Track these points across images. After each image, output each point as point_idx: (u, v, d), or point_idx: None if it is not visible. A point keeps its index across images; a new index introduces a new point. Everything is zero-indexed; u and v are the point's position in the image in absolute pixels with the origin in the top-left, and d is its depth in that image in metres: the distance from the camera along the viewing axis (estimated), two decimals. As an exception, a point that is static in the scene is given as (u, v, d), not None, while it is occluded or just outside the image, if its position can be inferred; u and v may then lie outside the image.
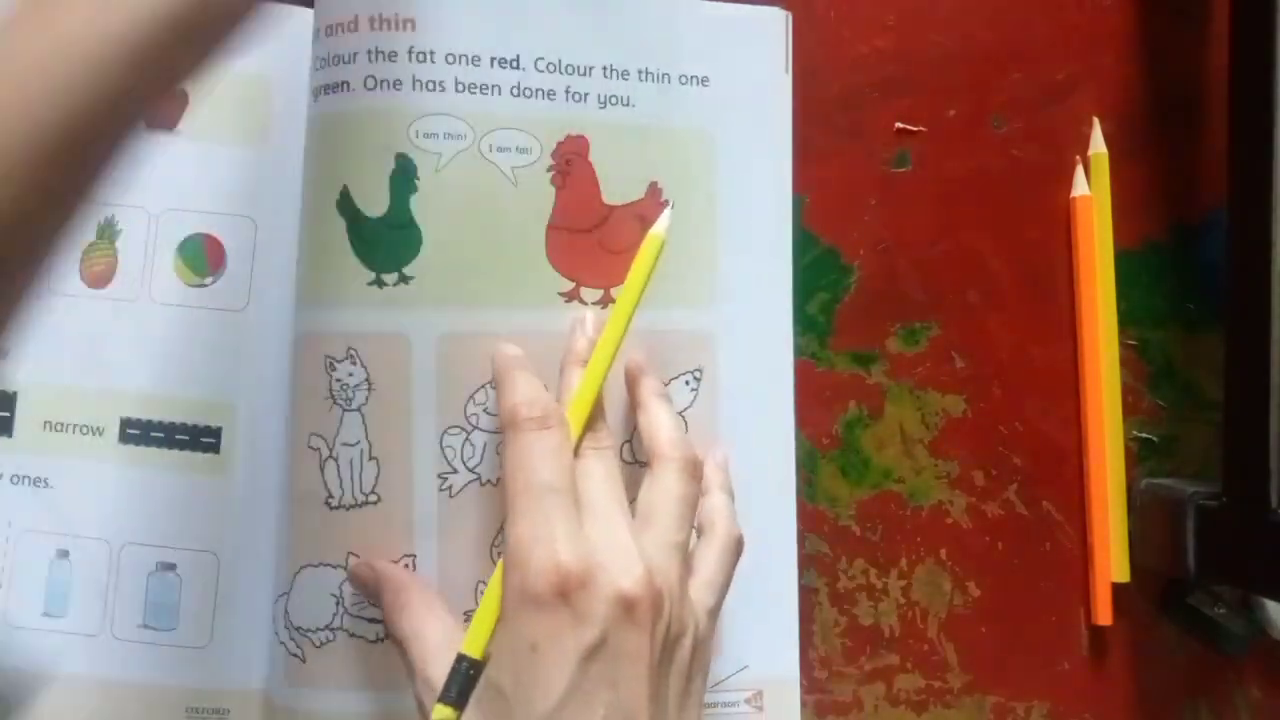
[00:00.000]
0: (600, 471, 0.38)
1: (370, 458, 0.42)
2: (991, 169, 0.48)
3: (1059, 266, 0.48)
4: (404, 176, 0.41)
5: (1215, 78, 0.48)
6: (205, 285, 0.45)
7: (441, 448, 0.42)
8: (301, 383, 0.42)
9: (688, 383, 0.45)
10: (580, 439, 0.38)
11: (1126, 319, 0.48)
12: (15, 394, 0.44)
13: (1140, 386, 0.48)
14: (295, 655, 0.42)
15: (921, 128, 0.47)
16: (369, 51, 0.41)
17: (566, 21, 0.43)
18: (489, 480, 0.42)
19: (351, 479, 0.42)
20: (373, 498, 0.42)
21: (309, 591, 0.42)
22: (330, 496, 0.42)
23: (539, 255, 0.43)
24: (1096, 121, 0.48)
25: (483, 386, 0.42)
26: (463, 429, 0.42)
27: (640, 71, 0.44)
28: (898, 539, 0.47)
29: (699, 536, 0.41)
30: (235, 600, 0.44)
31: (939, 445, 0.47)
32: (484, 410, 0.42)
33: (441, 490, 0.42)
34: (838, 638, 0.47)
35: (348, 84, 0.41)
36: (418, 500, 0.42)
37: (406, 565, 0.42)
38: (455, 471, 0.42)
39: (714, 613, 0.39)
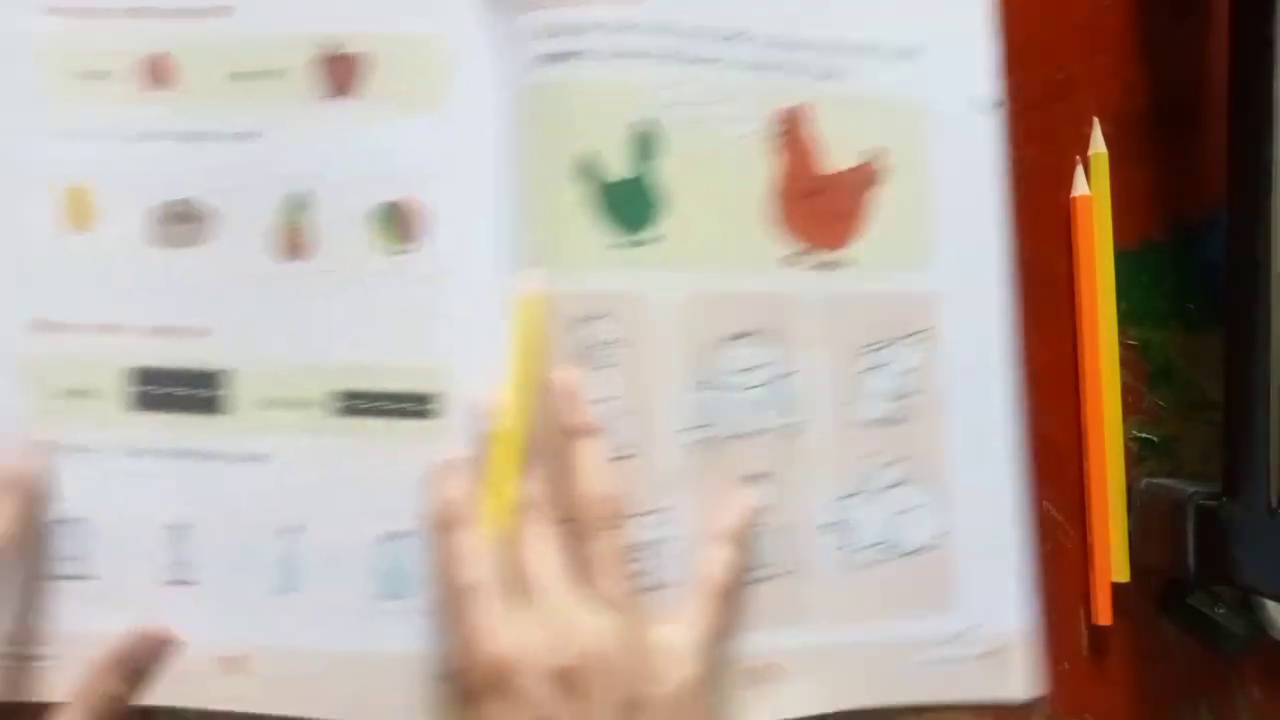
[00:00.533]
0: (535, 544, 0.39)
1: (619, 414, 0.42)
2: (992, 169, 0.48)
3: (1058, 266, 0.48)
4: (644, 142, 0.43)
5: (1215, 78, 0.48)
6: (408, 252, 0.44)
7: (687, 404, 0.43)
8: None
9: (913, 344, 0.46)
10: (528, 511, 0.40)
11: (1126, 319, 0.48)
12: (224, 373, 0.44)
13: (1140, 386, 0.48)
14: None
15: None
16: (602, 23, 0.43)
17: None
18: (733, 435, 0.43)
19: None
20: (624, 452, 0.42)
21: None
22: None
23: (769, 217, 0.44)
24: (1097, 122, 0.48)
25: (724, 344, 0.44)
26: (707, 385, 0.43)
27: (856, 45, 0.46)
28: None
29: (696, 584, 0.42)
30: None
31: (939, 445, 0.47)
32: (725, 368, 0.44)
33: (689, 445, 0.43)
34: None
35: (580, 53, 0.43)
36: (667, 455, 0.43)
37: (658, 520, 0.43)
38: (702, 426, 0.43)
39: (698, 651, 0.40)
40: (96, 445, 0.44)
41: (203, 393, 0.44)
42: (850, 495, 0.45)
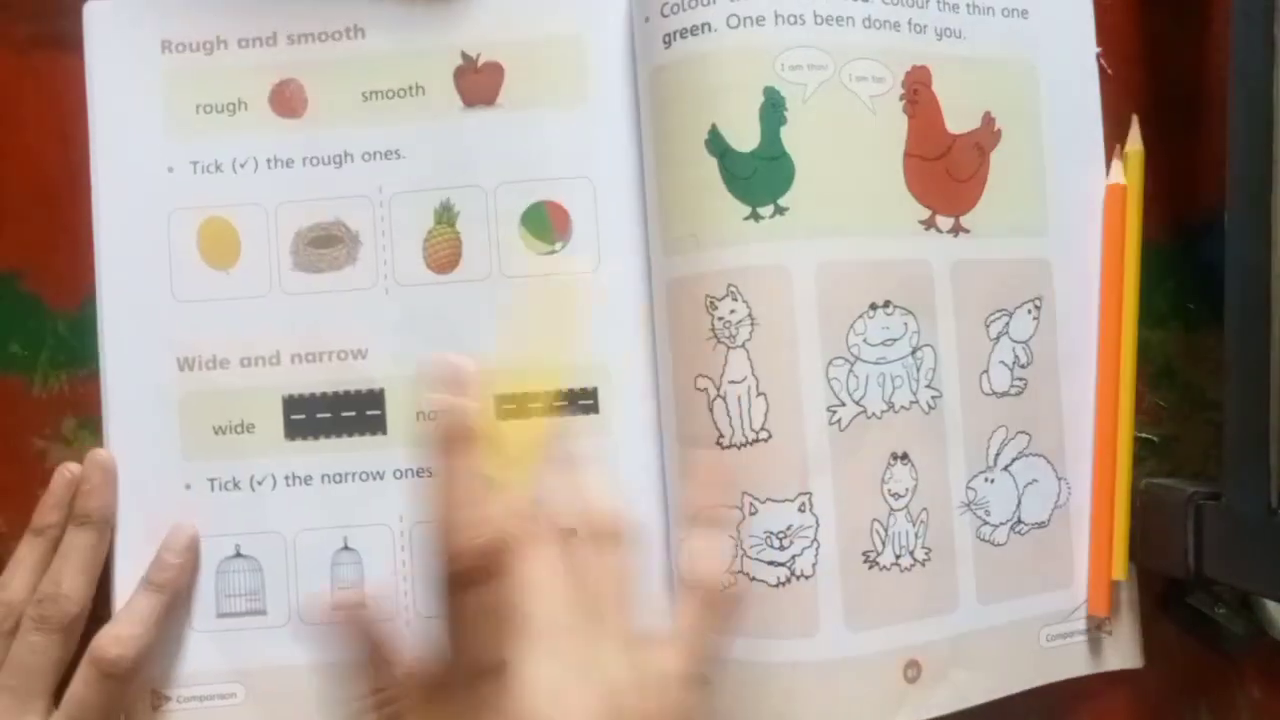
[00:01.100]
0: (544, 579, 0.33)
1: (758, 394, 0.42)
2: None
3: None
4: (774, 109, 0.43)
5: (1215, 78, 0.48)
6: (555, 252, 0.45)
7: (828, 380, 0.42)
8: (681, 326, 0.43)
9: (1029, 312, 0.46)
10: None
11: (1127, 319, 0.48)
12: (383, 391, 0.45)
13: (1140, 386, 0.48)
14: None
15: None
16: None
17: None
18: (875, 414, 0.43)
19: (741, 417, 0.42)
20: (763, 434, 0.42)
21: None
22: (721, 436, 0.42)
23: (899, 183, 0.44)
24: (1135, 119, 0.48)
25: (861, 316, 0.43)
26: (846, 360, 0.43)
27: (968, 5, 0.46)
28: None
29: (680, 585, 0.40)
30: (641, 555, 0.44)
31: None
32: (864, 341, 0.43)
33: (831, 424, 0.42)
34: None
35: (709, 25, 0.42)
36: (809, 435, 0.42)
37: (802, 504, 0.42)
38: (843, 404, 0.43)
39: (692, 678, 0.34)
40: (260, 475, 0.45)
41: (366, 414, 0.45)
42: (981, 471, 0.45)
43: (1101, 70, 0.48)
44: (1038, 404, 0.46)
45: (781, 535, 0.42)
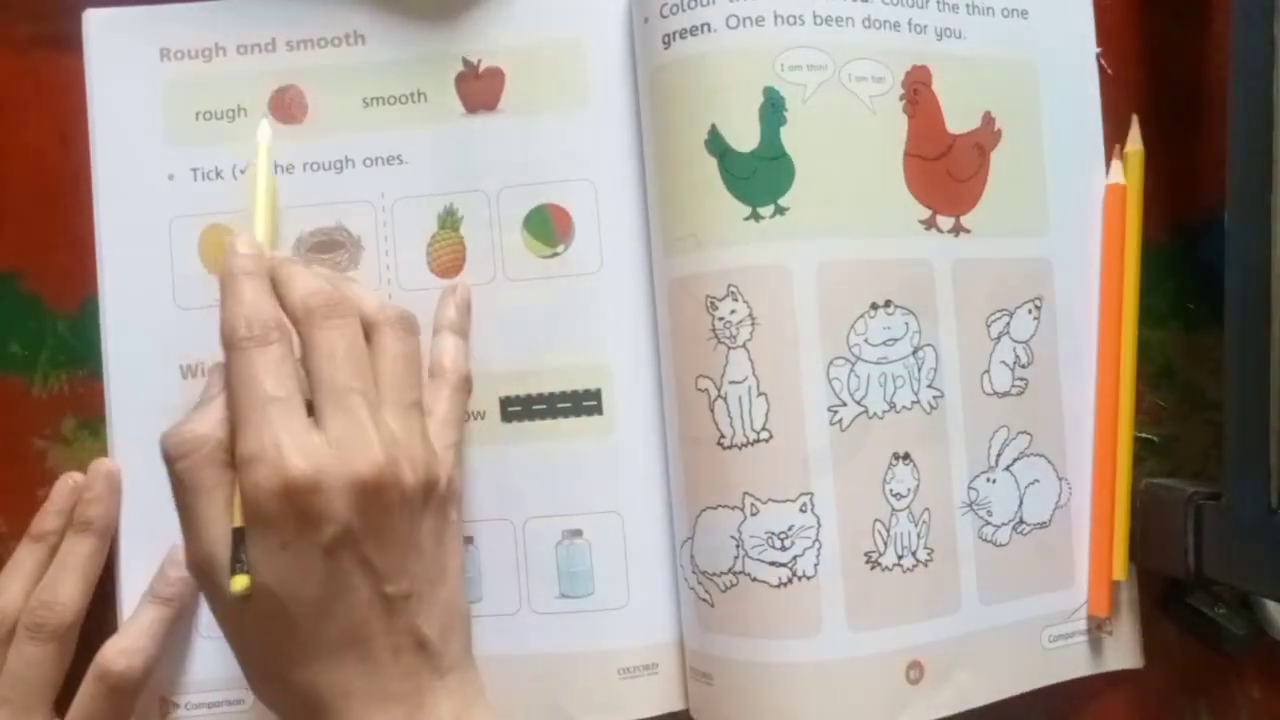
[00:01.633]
0: (341, 347, 0.38)
1: (759, 394, 0.42)
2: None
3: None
4: (773, 109, 0.43)
5: (1215, 78, 0.48)
6: (557, 254, 0.46)
7: (829, 380, 0.42)
8: (681, 327, 0.43)
9: (1030, 311, 0.46)
10: (313, 312, 0.38)
11: (1127, 319, 0.48)
12: None
13: (1140, 386, 0.48)
14: (704, 600, 0.43)
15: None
16: None
17: None
18: (876, 414, 0.43)
19: (742, 417, 0.42)
20: (764, 434, 0.42)
21: (710, 534, 0.43)
22: (722, 437, 0.42)
23: (899, 183, 0.44)
24: (1135, 119, 0.48)
25: (862, 316, 0.43)
26: (847, 360, 0.43)
27: (968, 5, 0.46)
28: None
29: (430, 377, 0.43)
30: (645, 555, 0.45)
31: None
32: (865, 341, 0.43)
33: (832, 424, 0.42)
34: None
35: (709, 25, 0.42)
36: (810, 435, 0.42)
37: (804, 505, 0.42)
38: (844, 404, 0.43)
39: (456, 446, 0.41)
40: None
41: None
42: (983, 472, 0.45)
43: (1101, 70, 0.48)
44: (1039, 404, 0.46)
45: (783, 536, 0.42)
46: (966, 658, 0.44)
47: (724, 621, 0.43)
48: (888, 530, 0.43)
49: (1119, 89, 0.48)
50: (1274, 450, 0.41)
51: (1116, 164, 0.47)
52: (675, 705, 0.45)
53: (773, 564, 0.42)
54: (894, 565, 0.43)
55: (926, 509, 0.44)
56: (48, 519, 0.45)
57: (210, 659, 0.45)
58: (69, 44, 0.46)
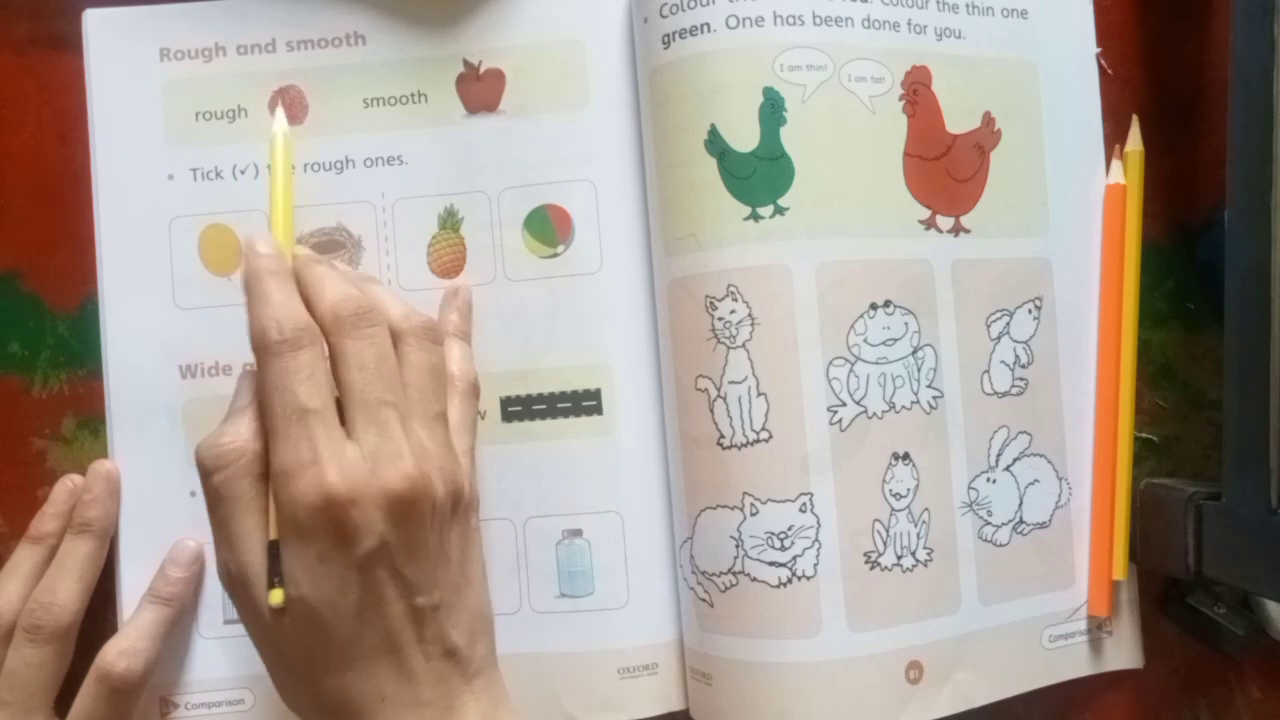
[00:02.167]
0: (371, 358, 0.37)
1: (759, 394, 0.42)
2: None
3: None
4: (773, 109, 0.43)
5: (1215, 78, 0.48)
6: (557, 255, 0.46)
7: (828, 380, 0.42)
8: (681, 327, 0.43)
9: (1030, 311, 0.46)
10: (343, 321, 0.37)
11: (1127, 319, 0.48)
12: None
13: (1140, 386, 0.48)
14: (704, 600, 0.43)
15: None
16: None
17: None
18: (875, 414, 0.43)
19: (742, 417, 0.42)
20: (764, 435, 0.42)
21: (710, 534, 0.43)
22: (722, 437, 0.42)
23: (899, 182, 0.44)
24: (1135, 119, 0.48)
25: (862, 316, 0.43)
26: (846, 360, 0.43)
27: (968, 5, 0.46)
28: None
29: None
30: (644, 555, 0.45)
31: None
32: (864, 341, 0.43)
33: (832, 424, 0.42)
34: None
35: (708, 25, 0.42)
36: (810, 435, 0.42)
37: (803, 505, 0.42)
38: (844, 404, 0.43)
39: (470, 452, 0.41)
40: None
41: None
42: (983, 472, 0.45)
43: (1101, 70, 0.48)
44: (1039, 404, 0.46)
45: (783, 536, 0.42)
46: (966, 658, 0.44)
47: (724, 621, 0.43)
48: (887, 530, 0.43)
49: (1119, 89, 0.48)
50: (1274, 450, 0.41)
51: (1116, 164, 0.47)
52: (675, 705, 0.45)
53: (772, 564, 0.42)
54: (894, 565, 0.43)
55: (926, 509, 0.44)
56: (46, 521, 0.45)
57: (210, 659, 0.45)
58: (69, 44, 0.46)
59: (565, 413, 0.45)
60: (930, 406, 0.44)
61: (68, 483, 0.45)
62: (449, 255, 0.46)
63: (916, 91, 0.45)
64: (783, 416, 0.42)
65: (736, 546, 0.42)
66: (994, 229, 0.46)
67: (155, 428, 0.45)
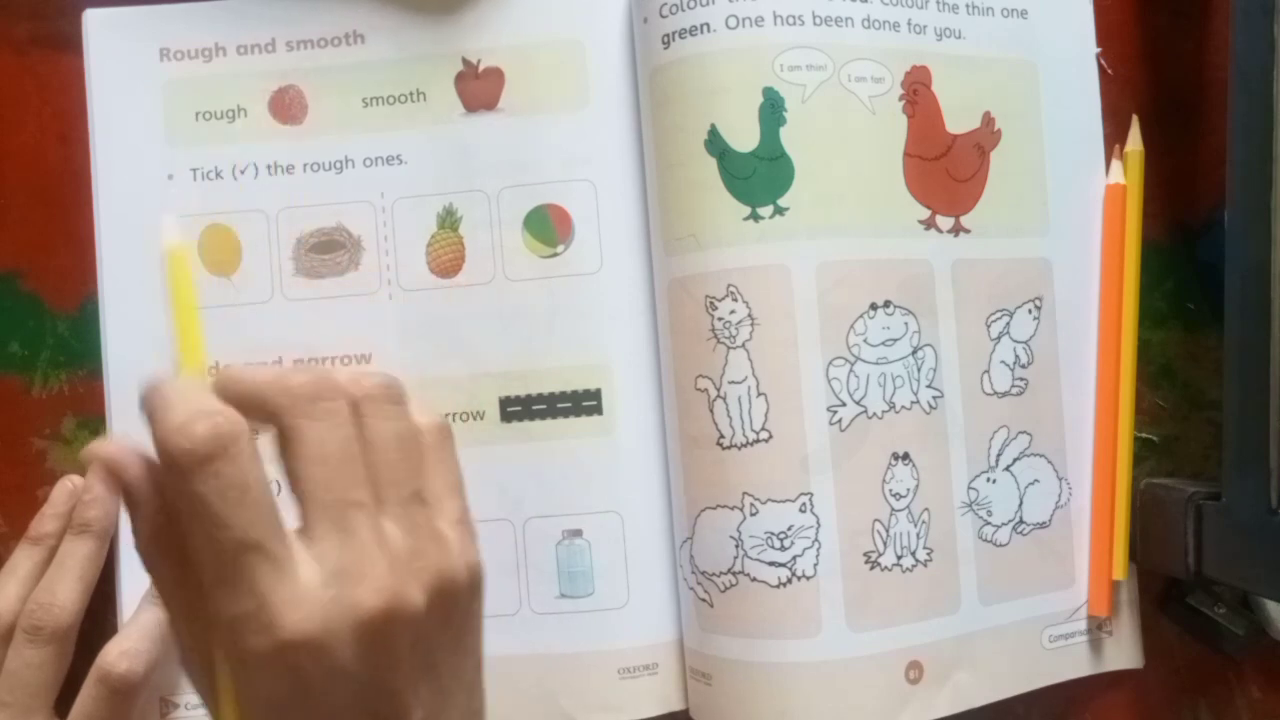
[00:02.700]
0: (334, 446, 0.30)
1: (759, 394, 0.42)
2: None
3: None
4: (773, 109, 0.43)
5: (1215, 78, 0.48)
6: (557, 254, 0.46)
7: (828, 380, 0.42)
8: (681, 327, 0.43)
9: (1030, 312, 0.46)
10: (298, 397, 0.30)
11: (1127, 319, 0.48)
12: None
13: (1140, 386, 0.48)
14: (704, 600, 0.43)
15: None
16: None
17: None
18: (875, 414, 0.43)
19: (741, 417, 0.42)
20: (764, 434, 0.42)
21: (710, 534, 0.43)
22: (722, 437, 0.42)
23: (899, 182, 0.44)
24: (1135, 119, 0.48)
25: (862, 316, 0.43)
26: (846, 360, 0.43)
27: (968, 5, 0.46)
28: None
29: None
30: (644, 555, 0.45)
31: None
32: (864, 340, 0.43)
33: (832, 424, 0.42)
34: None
35: (708, 25, 0.42)
36: (809, 435, 0.42)
37: (803, 505, 0.42)
38: (843, 404, 0.43)
39: (463, 515, 0.33)
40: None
41: None
42: (983, 472, 0.45)
43: (1101, 70, 0.48)
44: (1039, 404, 0.46)
45: (782, 536, 0.42)
46: (966, 658, 0.44)
47: (723, 621, 0.43)
48: (887, 530, 0.43)
49: (1119, 89, 0.48)
50: (1274, 450, 0.41)
51: (1116, 164, 0.47)
52: (675, 705, 0.45)
53: (772, 564, 0.42)
54: (893, 565, 0.43)
55: (926, 509, 0.44)
56: (46, 521, 0.44)
57: None
58: (69, 44, 0.46)
59: (565, 413, 0.45)
60: (930, 406, 0.44)
61: (67, 483, 0.45)
62: (448, 255, 0.46)
63: (916, 91, 0.45)
64: (782, 416, 0.42)
65: (736, 546, 0.42)
66: (994, 229, 0.46)
67: None
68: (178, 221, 0.35)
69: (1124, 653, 0.47)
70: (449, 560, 0.31)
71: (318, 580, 0.29)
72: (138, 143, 0.46)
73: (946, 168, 0.45)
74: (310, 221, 0.46)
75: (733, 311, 0.42)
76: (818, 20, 0.43)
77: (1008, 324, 0.46)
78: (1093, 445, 0.47)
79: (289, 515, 0.30)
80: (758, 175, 0.42)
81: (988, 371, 0.46)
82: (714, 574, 0.43)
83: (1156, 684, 0.48)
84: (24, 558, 0.44)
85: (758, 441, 0.42)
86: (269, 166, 0.46)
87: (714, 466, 0.43)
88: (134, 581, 0.45)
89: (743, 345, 0.42)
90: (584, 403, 0.45)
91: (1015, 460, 0.46)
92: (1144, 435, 0.48)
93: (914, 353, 0.44)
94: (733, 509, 0.42)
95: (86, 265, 0.46)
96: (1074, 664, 0.47)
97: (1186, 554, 0.44)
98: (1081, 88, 0.48)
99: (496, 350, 0.45)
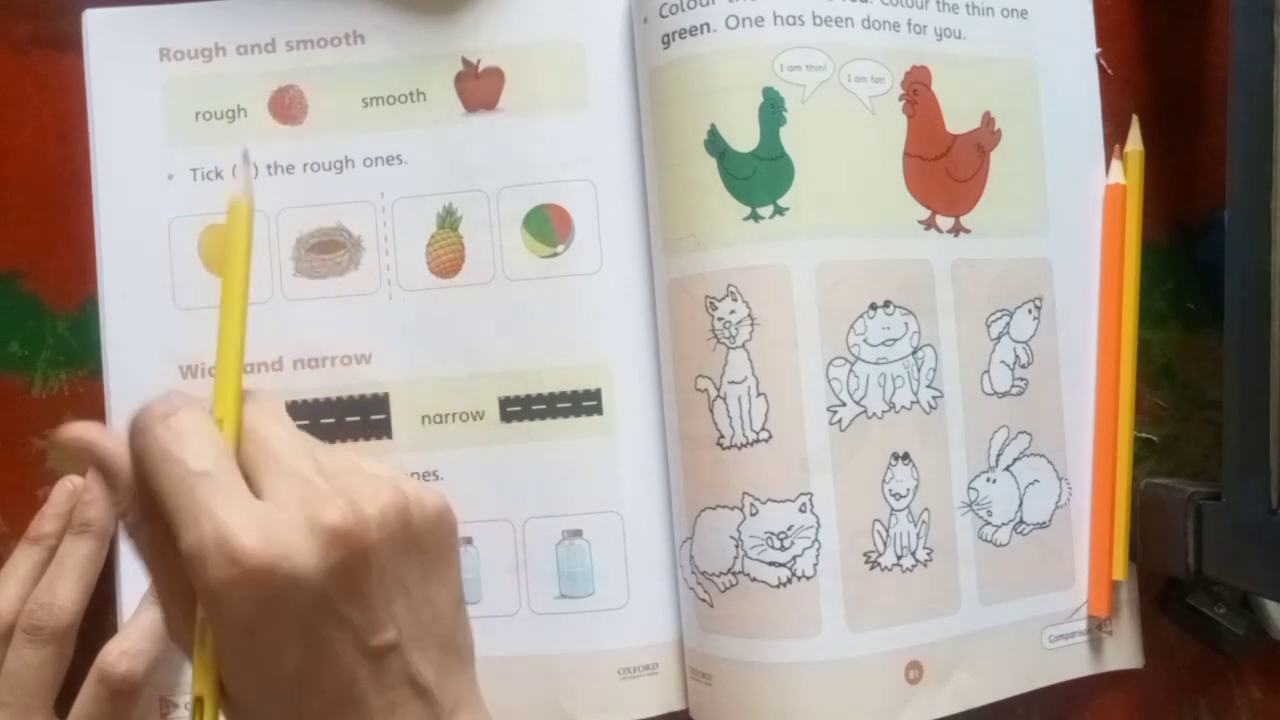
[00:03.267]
0: (264, 420, 0.33)
1: (758, 394, 0.42)
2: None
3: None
4: (773, 109, 0.43)
5: (1215, 78, 0.48)
6: (557, 254, 0.46)
7: (828, 380, 0.42)
8: (681, 327, 0.43)
9: (1030, 311, 0.46)
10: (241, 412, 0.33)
11: (1127, 319, 0.48)
12: (387, 395, 0.45)
13: (1140, 386, 0.48)
14: (704, 600, 0.43)
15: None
16: None
17: None
18: (875, 414, 0.43)
19: (741, 417, 0.42)
20: (764, 435, 0.42)
21: (710, 534, 0.43)
22: (721, 437, 0.42)
23: (898, 182, 0.44)
24: (1135, 119, 0.48)
25: (862, 316, 0.43)
26: (846, 360, 0.43)
27: (968, 5, 0.46)
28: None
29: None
30: (644, 555, 0.45)
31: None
32: (864, 341, 0.43)
33: (832, 424, 0.42)
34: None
35: (708, 25, 0.42)
36: (809, 435, 0.42)
37: (803, 505, 0.42)
38: (843, 404, 0.43)
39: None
40: None
41: (370, 418, 0.45)
42: (983, 472, 0.45)
43: (1101, 70, 0.48)
44: (1039, 404, 0.46)
45: (782, 536, 0.42)
46: (966, 658, 0.44)
47: (723, 621, 0.43)
48: (887, 530, 0.43)
49: (1119, 89, 0.48)
50: (1274, 450, 0.41)
51: (1116, 164, 0.47)
52: (675, 705, 0.45)
53: (772, 564, 0.42)
54: (893, 565, 0.43)
55: (926, 509, 0.44)
56: (46, 522, 0.44)
57: None
58: (69, 44, 0.46)
59: (565, 413, 0.45)
60: (930, 406, 0.44)
61: (67, 484, 0.45)
62: (448, 255, 0.46)
63: (916, 91, 0.45)
64: (782, 416, 0.42)
65: (736, 546, 0.42)
66: (994, 229, 0.46)
67: None
68: (247, 170, 0.36)
69: (1124, 653, 0.47)
70: (399, 489, 0.33)
71: (274, 507, 0.30)
72: (138, 143, 0.46)
73: (946, 168, 0.45)
74: (310, 221, 0.46)
75: (733, 311, 0.42)
76: (818, 20, 0.43)
77: (1008, 324, 0.46)
78: (1093, 445, 0.47)
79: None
80: (758, 175, 0.42)
81: (988, 371, 0.46)
82: (714, 574, 0.43)
83: (1156, 684, 0.48)
84: (24, 558, 0.44)
85: (757, 441, 0.42)
86: (269, 167, 0.46)
87: (714, 466, 0.43)
88: (134, 581, 0.45)
89: (743, 345, 0.42)
90: (584, 403, 0.45)
91: (1015, 460, 0.46)
92: (1144, 435, 0.48)
93: (914, 353, 0.44)
94: (733, 509, 0.42)
95: (86, 265, 0.46)
96: (1074, 664, 0.47)
97: (1186, 554, 0.44)
98: (1081, 88, 0.48)
99: (496, 350, 0.45)
